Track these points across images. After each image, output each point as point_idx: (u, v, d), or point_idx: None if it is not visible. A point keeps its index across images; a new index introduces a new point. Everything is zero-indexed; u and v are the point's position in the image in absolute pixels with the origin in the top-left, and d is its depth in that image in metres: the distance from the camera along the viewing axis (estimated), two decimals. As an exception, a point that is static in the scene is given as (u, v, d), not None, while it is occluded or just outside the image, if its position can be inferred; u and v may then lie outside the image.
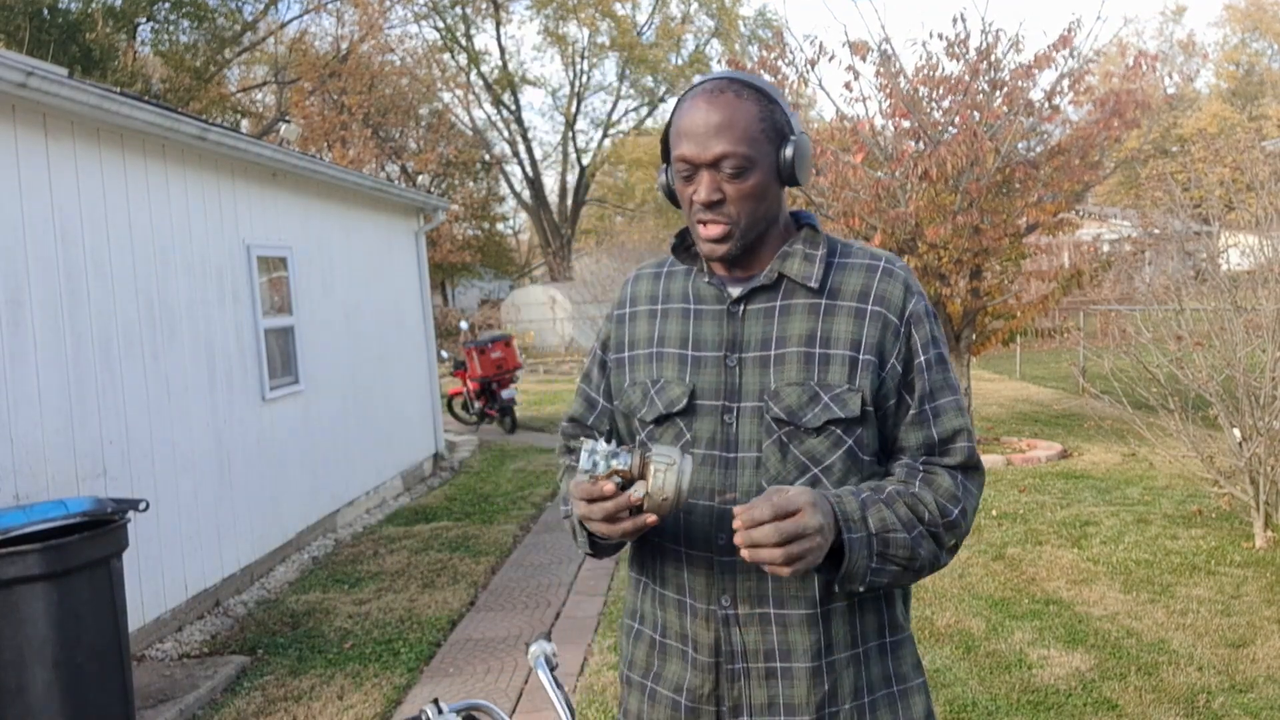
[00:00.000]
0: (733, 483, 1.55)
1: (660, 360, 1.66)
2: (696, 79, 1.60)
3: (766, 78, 9.58)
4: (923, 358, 1.58)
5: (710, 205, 1.54)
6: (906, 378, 1.58)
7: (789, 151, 1.54)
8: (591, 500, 1.42)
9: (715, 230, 1.55)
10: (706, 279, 1.64)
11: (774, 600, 1.54)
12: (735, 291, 1.61)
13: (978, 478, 1.61)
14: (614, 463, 1.38)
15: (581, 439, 1.44)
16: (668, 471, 1.38)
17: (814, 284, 1.58)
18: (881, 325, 1.56)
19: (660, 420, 1.63)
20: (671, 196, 1.67)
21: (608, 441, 1.38)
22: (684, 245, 1.72)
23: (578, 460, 1.41)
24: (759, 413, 1.56)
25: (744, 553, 1.35)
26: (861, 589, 1.48)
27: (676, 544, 1.61)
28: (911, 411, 1.58)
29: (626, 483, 1.40)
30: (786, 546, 1.33)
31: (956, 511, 1.55)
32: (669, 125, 1.61)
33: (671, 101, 29.95)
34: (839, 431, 1.54)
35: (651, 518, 1.41)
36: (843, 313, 1.57)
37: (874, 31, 29.14)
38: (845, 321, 1.57)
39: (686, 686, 1.60)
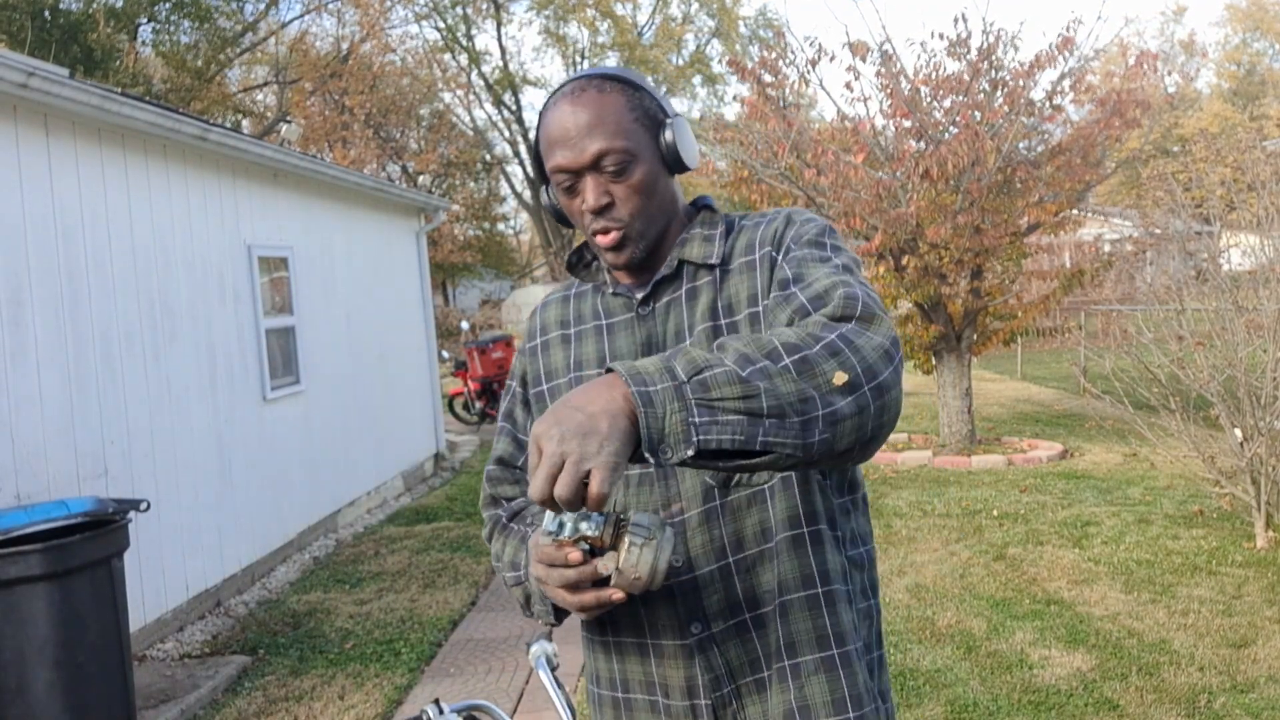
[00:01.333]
0: (676, 491, 1.43)
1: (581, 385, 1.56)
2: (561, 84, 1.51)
3: (767, 78, 9.64)
4: (791, 249, 1.42)
5: (600, 211, 1.44)
6: (775, 278, 1.41)
7: (668, 135, 1.45)
8: (552, 565, 1.24)
9: (613, 237, 1.45)
10: (612, 290, 1.55)
11: (746, 604, 1.43)
12: (641, 294, 1.52)
13: (879, 326, 1.23)
14: (583, 526, 1.19)
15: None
16: (643, 548, 1.18)
17: (715, 260, 1.48)
18: (769, 264, 1.44)
19: None
20: (560, 217, 1.58)
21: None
22: (583, 262, 1.62)
23: (540, 521, 1.24)
24: None
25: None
26: (690, 453, 1.10)
27: None
28: (775, 295, 1.38)
29: (594, 551, 1.22)
30: (557, 482, 1.09)
31: (831, 336, 1.18)
32: (537, 143, 1.50)
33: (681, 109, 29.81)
34: None
35: (619, 594, 1.23)
36: (736, 272, 1.47)
37: (874, 31, 29.17)
38: (740, 280, 1.46)
39: None
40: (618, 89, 1.45)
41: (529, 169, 36.60)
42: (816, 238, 1.44)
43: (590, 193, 1.43)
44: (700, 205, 1.58)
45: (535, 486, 1.10)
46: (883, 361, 1.19)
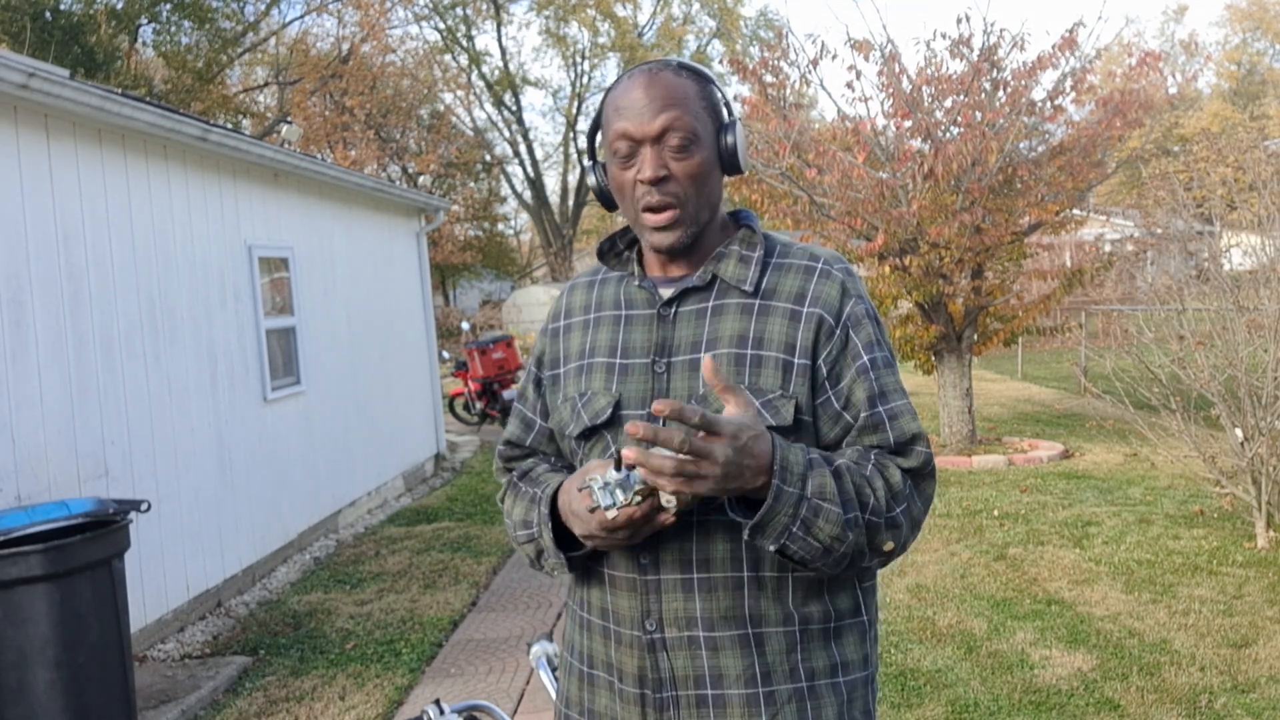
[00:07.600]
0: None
1: (589, 372, 1.57)
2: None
3: (769, 78, 9.63)
4: (866, 358, 1.47)
5: (657, 181, 1.44)
6: (847, 381, 1.47)
7: (730, 138, 1.49)
8: (615, 529, 1.35)
9: (666, 217, 1.46)
10: (638, 282, 1.56)
11: (703, 622, 1.45)
12: (667, 293, 1.53)
13: (929, 488, 1.50)
14: (634, 484, 1.33)
15: (591, 476, 1.35)
16: None
17: (749, 287, 1.50)
18: (816, 327, 1.47)
19: (586, 435, 1.54)
20: (603, 199, 1.58)
21: (617, 469, 1.32)
22: (613, 250, 1.63)
23: (592, 496, 1.35)
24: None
25: (630, 452, 1.25)
26: (771, 548, 1.36)
27: (600, 565, 1.52)
28: (864, 415, 1.46)
29: (647, 497, 1.36)
30: (681, 460, 1.24)
31: (899, 510, 1.43)
32: (598, 117, 1.53)
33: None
34: None
35: (672, 518, 1.36)
36: (777, 314, 1.49)
37: (875, 31, 29.16)
38: (779, 323, 1.48)
39: None
40: (692, 77, 1.50)
41: (529, 169, 36.65)
42: (881, 341, 1.51)
43: (649, 163, 1.45)
44: (741, 221, 1.59)
45: (695, 440, 1.26)
46: (914, 532, 1.48)
